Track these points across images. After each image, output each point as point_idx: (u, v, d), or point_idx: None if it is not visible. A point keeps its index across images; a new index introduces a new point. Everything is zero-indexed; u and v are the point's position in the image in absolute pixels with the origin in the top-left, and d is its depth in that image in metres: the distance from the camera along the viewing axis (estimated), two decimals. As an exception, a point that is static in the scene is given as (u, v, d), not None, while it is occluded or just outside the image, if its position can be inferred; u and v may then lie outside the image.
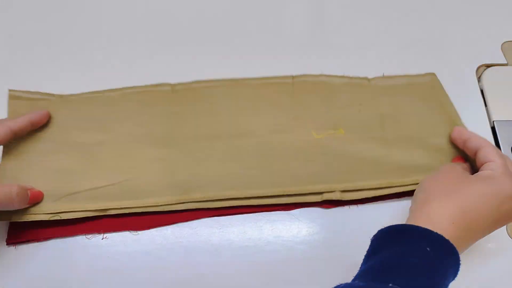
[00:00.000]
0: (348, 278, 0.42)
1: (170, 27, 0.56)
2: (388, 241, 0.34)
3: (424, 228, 0.34)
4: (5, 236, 0.43)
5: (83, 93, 0.48)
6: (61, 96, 0.48)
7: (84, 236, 0.43)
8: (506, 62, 0.54)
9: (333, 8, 0.58)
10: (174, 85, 0.49)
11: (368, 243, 0.44)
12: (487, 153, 0.40)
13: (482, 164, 0.40)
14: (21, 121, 0.43)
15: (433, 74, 0.51)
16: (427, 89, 0.50)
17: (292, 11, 0.58)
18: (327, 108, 0.48)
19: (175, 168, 0.45)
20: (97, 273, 0.42)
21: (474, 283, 0.42)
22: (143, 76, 0.50)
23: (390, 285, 0.30)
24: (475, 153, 0.41)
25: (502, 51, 0.55)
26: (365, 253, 0.44)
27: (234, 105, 0.48)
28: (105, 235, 0.43)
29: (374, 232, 0.44)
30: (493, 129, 0.50)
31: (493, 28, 0.57)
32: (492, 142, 0.49)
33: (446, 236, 0.33)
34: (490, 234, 0.44)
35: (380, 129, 0.47)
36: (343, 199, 0.44)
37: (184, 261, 0.43)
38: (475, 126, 0.50)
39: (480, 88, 0.53)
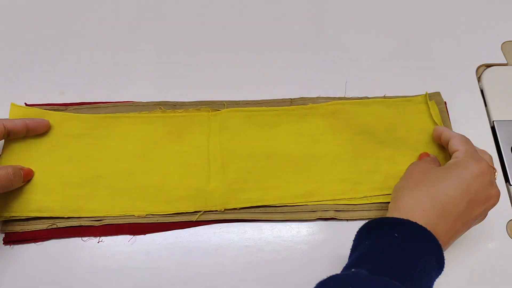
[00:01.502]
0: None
1: (168, 31, 0.56)
2: (362, 237, 0.37)
3: (391, 218, 0.36)
4: (1, 235, 0.43)
5: (82, 106, 0.49)
6: (60, 111, 0.48)
7: (80, 239, 0.43)
8: (506, 62, 0.55)
9: (333, 8, 0.58)
10: (175, 104, 0.49)
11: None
12: (453, 143, 0.42)
13: (451, 155, 0.42)
14: (17, 123, 0.44)
15: (437, 95, 0.50)
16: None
17: (293, 14, 0.58)
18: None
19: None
20: (96, 273, 0.42)
21: (475, 283, 0.42)
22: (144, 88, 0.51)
23: (353, 270, 0.33)
24: (447, 145, 0.43)
25: (502, 51, 0.55)
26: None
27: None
28: (101, 238, 0.44)
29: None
30: (493, 129, 0.50)
31: (493, 28, 0.57)
32: (492, 142, 0.49)
33: (420, 223, 0.34)
34: (490, 234, 0.44)
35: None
36: (338, 217, 0.45)
37: (184, 261, 0.43)
38: (475, 126, 0.50)
39: (480, 88, 0.53)
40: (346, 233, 0.44)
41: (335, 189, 0.45)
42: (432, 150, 0.47)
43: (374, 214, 0.45)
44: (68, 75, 0.52)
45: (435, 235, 0.34)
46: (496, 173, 0.41)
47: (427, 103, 0.49)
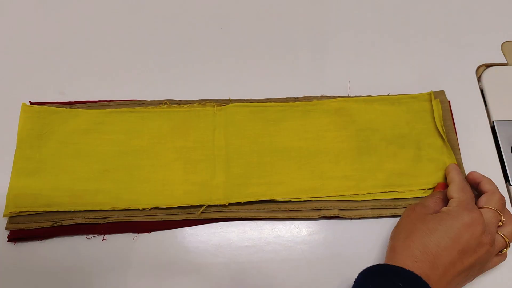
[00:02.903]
0: (347, 278, 0.43)
1: (172, 30, 0.56)
2: (366, 281, 0.36)
3: (396, 266, 0.36)
4: (6, 232, 0.43)
5: (86, 105, 0.49)
6: (68, 110, 0.48)
7: (84, 236, 0.44)
8: (506, 62, 0.54)
9: (334, 9, 0.58)
10: (176, 103, 0.49)
11: (368, 243, 0.44)
12: (450, 190, 0.42)
13: (449, 200, 0.42)
14: None
15: (441, 93, 0.50)
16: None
17: (296, 14, 0.58)
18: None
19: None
20: (96, 273, 0.42)
21: (475, 283, 0.42)
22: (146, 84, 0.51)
23: None
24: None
25: (502, 51, 0.55)
26: (363, 252, 0.44)
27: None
28: (105, 236, 0.44)
29: (374, 231, 0.45)
30: (493, 129, 0.50)
31: (493, 28, 0.57)
32: (492, 142, 0.49)
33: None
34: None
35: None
36: (341, 215, 0.45)
37: (184, 261, 0.43)
38: (475, 126, 0.50)
39: (480, 88, 0.53)
40: (346, 233, 0.45)
41: (338, 186, 0.46)
42: (434, 150, 0.47)
43: (377, 213, 0.45)
44: (68, 75, 0.52)
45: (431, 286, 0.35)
46: (501, 216, 0.40)
47: (431, 101, 0.50)
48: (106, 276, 0.42)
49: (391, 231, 0.41)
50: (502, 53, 0.55)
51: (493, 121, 0.50)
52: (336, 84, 0.52)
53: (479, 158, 0.48)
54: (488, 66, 0.54)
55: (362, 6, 0.58)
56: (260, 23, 0.57)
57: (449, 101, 0.50)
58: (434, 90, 0.50)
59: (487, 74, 0.53)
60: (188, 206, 0.44)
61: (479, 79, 0.53)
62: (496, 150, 0.49)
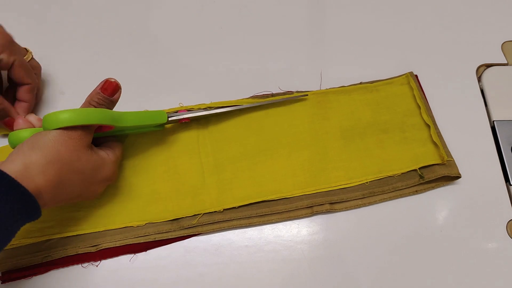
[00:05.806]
0: (347, 278, 0.43)
1: (164, 35, 0.56)
2: None
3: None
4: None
5: None
6: None
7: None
8: (506, 62, 0.54)
9: (331, 9, 0.58)
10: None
11: (367, 243, 0.44)
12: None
13: None
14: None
15: (411, 74, 0.51)
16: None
17: (292, 15, 0.58)
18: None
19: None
20: (95, 272, 0.42)
21: (475, 283, 0.42)
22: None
23: None
24: None
25: (502, 51, 0.55)
26: (363, 253, 0.44)
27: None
28: (101, 262, 0.43)
29: (374, 231, 0.45)
30: (493, 129, 0.50)
31: (493, 28, 0.57)
32: (492, 142, 0.49)
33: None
34: (490, 234, 0.44)
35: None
36: (333, 209, 0.45)
37: (184, 261, 0.43)
38: (475, 126, 0.50)
39: (480, 88, 0.53)
40: (346, 233, 0.45)
41: (329, 177, 0.46)
42: (418, 129, 0.48)
43: (367, 201, 0.45)
44: (68, 75, 0.52)
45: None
46: None
47: (408, 84, 0.51)
48: (103, 276, 0.42)
49: None
50: (502, 53, 0.55)
51: (493, 121, 0.50)
52: (330, 83, 0.52)
53: (479, 158, 0.48)
54: (488, 66, 0.54)
55: (362, 8, 0.58)
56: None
57: (416, 76, 0.51)
58: (404, 73, 0.51)
59: (487, 74, 0.53)
60: (183, 217, 0.44)
61: (479, 79, 0.53)
62: (496, 150, 0.49)
